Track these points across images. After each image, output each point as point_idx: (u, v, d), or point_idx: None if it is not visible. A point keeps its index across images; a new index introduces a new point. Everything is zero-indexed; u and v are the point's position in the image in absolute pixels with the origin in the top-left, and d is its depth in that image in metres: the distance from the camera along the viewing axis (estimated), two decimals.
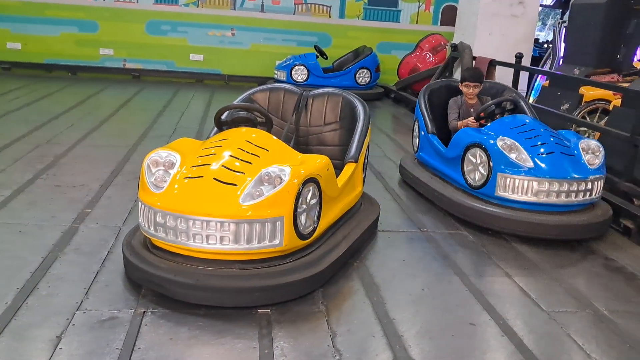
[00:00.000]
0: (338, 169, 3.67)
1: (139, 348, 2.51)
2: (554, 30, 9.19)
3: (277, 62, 10.84)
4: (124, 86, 10.14)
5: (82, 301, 2.86)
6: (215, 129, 3.73)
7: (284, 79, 10.15)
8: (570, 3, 8.26)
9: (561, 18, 10.24)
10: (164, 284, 2.88)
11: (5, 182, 4.55)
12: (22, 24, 10.74)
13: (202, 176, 2.96)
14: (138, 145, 6.05)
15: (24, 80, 9.93)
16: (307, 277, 2.99)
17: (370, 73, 10.44)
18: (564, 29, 8.87)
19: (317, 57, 10.41)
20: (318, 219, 3.17)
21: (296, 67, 10.21)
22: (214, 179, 2.94)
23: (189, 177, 2.98)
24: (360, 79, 10.38)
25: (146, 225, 3.00)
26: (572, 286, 3.43)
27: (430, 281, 3.37)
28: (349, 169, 3.70)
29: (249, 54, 11.37)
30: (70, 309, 2.79)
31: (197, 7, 11.13)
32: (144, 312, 2.81)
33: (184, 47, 11.17)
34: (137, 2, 10.94)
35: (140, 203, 3.03)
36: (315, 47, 10.67)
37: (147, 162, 3.07)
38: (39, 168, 4.97)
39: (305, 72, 10.20)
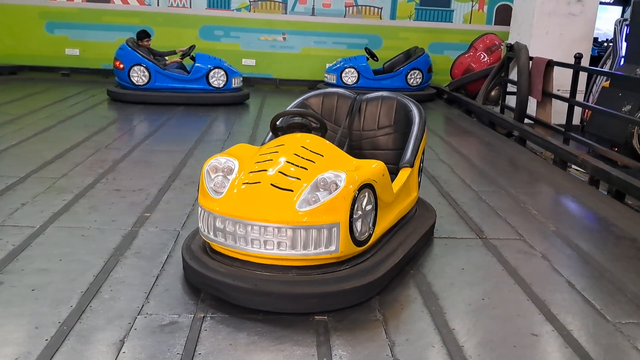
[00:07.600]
0: (393, 173, 3.63)
1: (199, 354, 2.54)
2: (615, 28, 8.88)
3: (328, 65, 10.85)
4: None
5: (143, 305, 2.92)
6: (271, 134, 3.75)
7: (334, 81, 10.14)
8: (632, 0, 7.96)
9: (622, 16, 9.88)
10: (223, 288, 2.90)
11: (67, 186, 4.69)
12: (80, 30, 11.11)
13: (259, 182, 2.98)
14: (194, 150, 6.15)
15: (83, 85, 10.25)
16: (364, 285, 2.96)
17: (422, 74, 10.32)
18: (626, 27, 8.55)
19: (368, 59, 10.37)
20: (374, 225, 3.14)
21: (346, 70, 10.19)
22: (271, 184, 2.96)
23: (247, 183, 3.00)
24: (412, 80, 10.27)
25: (206, 230, 3.04)
26: (638, 295, 3.30)
27: (490, 290, 3.29)
28: (404, 174, 3.65)
29: (300, 57, 11.42)
30: (132, 312, 2.84)
31: (249, 11, 11.27)
32: (204, 316, 2.84)
33: (237, 52, 11.31)
34: (190, 7, 11.15)
35: (199, 208, 3.07)
36: (366, 49, 10.62)
37: (207, 168, 3.11)
38: (99, 172, 5.11)
39: (356, 74, 10.17)
